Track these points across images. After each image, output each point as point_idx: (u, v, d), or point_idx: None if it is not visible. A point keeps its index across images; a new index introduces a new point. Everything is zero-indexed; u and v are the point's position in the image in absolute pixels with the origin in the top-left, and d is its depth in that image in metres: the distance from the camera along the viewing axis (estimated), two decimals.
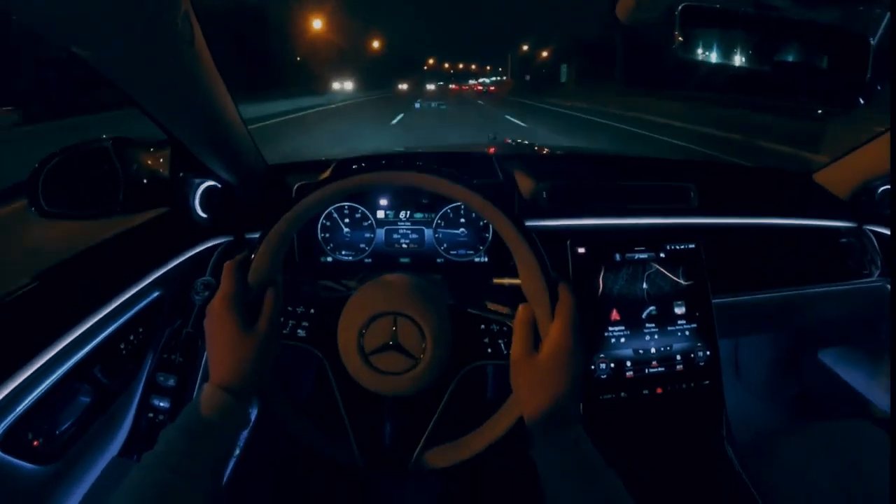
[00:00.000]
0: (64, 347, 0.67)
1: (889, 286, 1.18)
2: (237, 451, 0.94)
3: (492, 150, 1.38)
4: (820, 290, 1.17)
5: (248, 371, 0.56)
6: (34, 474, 0.64)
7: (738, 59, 0.86)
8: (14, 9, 0.44)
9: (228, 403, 0.54)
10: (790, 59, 0.86)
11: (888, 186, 1.17)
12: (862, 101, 1.03)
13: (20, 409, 0.62)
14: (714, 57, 0.84)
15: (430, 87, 76.44)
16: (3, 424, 0.60)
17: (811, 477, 0.89)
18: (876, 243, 1.21)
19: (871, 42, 0.83)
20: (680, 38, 0.81)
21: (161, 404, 0.83)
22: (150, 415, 0.83)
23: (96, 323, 0.73)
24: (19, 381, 0.61)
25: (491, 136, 1.66)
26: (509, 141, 1.60)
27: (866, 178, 1.17)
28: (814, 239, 1.20)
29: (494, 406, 0.64)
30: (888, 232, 1.20)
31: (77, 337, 0.69)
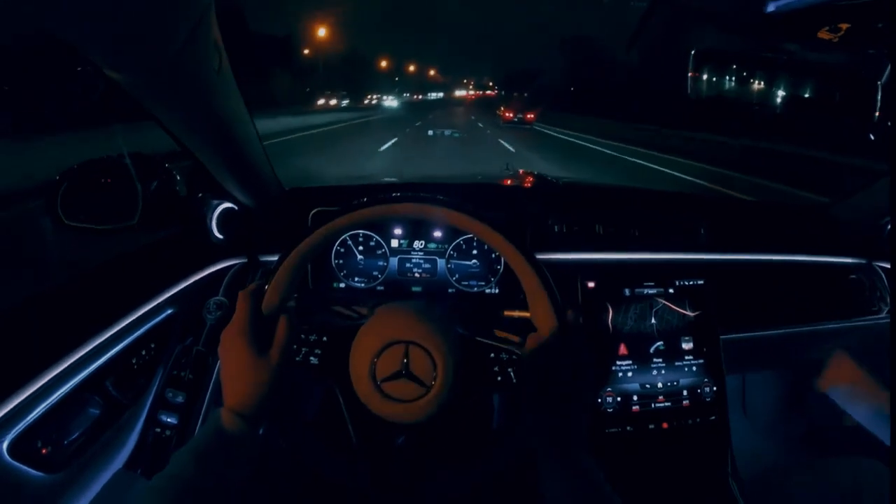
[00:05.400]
0: (78, 359, 0.68)
1: None
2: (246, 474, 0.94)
3: (506, 181, 1.40)
4: (828, 326, 1.16)
5: (261, 397, 0.57)
6: (41, 482, 0.65)
7: (751, 96, 0.87)
8: (55, 29, 0.45)
9: (241, 428, 0.55)
10: (803, 96, 0.87)
11: None
12: (872, 138, 1.04)
13: (31, 417, 0.63)
14: (728, 92, 0.86)
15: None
16: (13, 432, 0.61)
17: None
18: (885, 280, 1.21)
19: (879, 84, 0.84)
20: (692, 76, 0.83)
21: (168, 420, 0.84)
22: (158, 430, 0.84)
23: (110, 337, 0.74)
24: (32, 390, 0.62)
25: (505, 167, 1.68)
26: (523, 172, 1.62)
27: (876, 215, 1.17)
28: (823, 276, 1.19)
29: (503, 433, 0.64)
30: None
31: (91, 350, 0.71)
